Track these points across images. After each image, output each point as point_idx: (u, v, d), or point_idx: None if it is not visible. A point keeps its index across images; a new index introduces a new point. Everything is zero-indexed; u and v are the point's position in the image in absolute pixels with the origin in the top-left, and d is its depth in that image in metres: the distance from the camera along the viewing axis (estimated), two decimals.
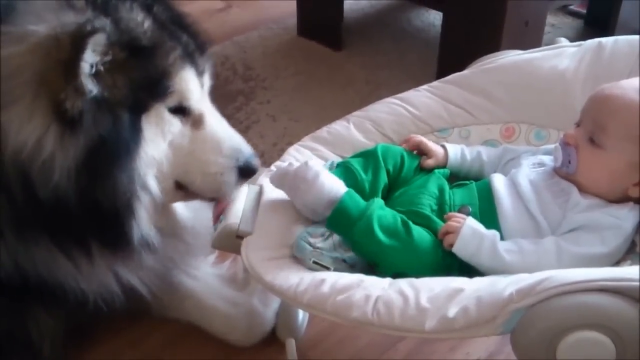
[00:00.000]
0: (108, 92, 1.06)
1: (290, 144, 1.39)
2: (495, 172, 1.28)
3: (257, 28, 2.61)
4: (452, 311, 0.95)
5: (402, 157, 1.28)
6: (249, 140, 1.94)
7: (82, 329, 1.33)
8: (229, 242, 1.19)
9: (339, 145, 1.36)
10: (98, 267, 1.18)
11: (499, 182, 1.20)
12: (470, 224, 1.10)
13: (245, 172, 1.23)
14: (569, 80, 1.38)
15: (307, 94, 2.22)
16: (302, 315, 1.37)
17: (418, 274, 1.06)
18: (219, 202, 1.26)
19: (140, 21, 1.13)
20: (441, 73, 1.65)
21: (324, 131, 1.39)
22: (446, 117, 1.42)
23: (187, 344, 1.39)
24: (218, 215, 1.24)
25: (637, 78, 1.18)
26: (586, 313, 0.91)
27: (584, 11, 2.59)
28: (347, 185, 1.20)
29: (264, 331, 1.37)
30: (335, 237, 1.13)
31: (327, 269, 1.09)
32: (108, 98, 1.06)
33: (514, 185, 1.18)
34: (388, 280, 1.05)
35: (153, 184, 1.16)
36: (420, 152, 1.33)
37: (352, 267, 1.11)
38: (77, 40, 1.01)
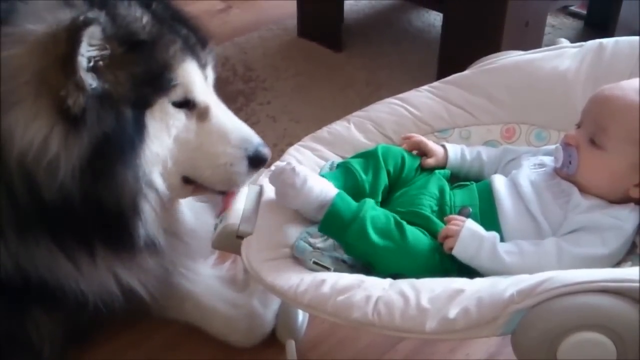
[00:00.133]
0: (110, 89, 1.06)
1: (291, 144, 1.39)
2: (495, 172, 1.28)
3: (258, 29, 2.61)
4: (452, 312, 0.95)
5: (403, 158, 1.28)
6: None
7: (81, 330, 1.33)
8: (229, 243, 1.18)
9: (339, 145, 1.36)
10: (99, 268, 1.18)
11: (499, 183, 1.20)
12: (470, 226, 1.10)
13: (256, 161, 1.23)
14: (569, 81, 1.38)
15: (307, 95, 2.22)
16: (302, 317, 1.36)
17: (414, 275, 1.06)
18: (228, 194, 1.25)
19: (139, 16, 1.13)
20: (442, 74, 1.65)
21: (324, 131, 1.39)
22: (447, 118, 1.41)
23: (187, 345, 1.38)
24: (226, 206, 1.22)
25: (638, 79, 1.18)
26: (587, 314, 0.91)
27: (584, 12, 2.59)
28: (347, 185, 1.20)
29: (264, 332, 1.36)
30: None
31: (328, 269, 1.09)
32: (111, 94, 1.06)
33: (515, 186, 1.18)
34: (389, 280, 1.05)
35: (159, 181, 1.16)
36: (421, 152, 1.32)
37: (352, 268, 1.11)
38: (72, 34, 1.01)
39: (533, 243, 1.09)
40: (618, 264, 1.09)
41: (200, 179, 1.22)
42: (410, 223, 1.14)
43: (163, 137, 1.14)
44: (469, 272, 1.09)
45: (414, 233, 1.12)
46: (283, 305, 1.36)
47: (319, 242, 1.12)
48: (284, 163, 1.24)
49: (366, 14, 2.71)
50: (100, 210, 1.09)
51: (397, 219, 1.12)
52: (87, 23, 1.01)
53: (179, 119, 1.16)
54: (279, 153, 1.32)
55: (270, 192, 1.22)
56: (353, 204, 1.13)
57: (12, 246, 1.11)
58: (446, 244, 1.10)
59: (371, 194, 1.21)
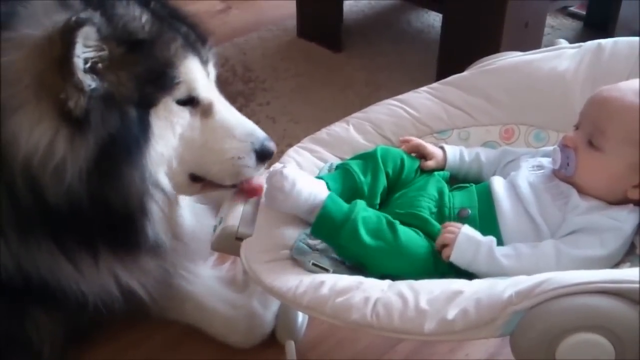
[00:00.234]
0: (113, 89, 1.06)
1: (290, 145, 1.39)
2: (494, 173, 1.28)
3: (257, 29, 2.61)
4: (451, 313, 0.95)
5: (402, 160, 1.28)
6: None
7: (82, 330, 1.33)
8: (229, 244, 1.19)
9: (338, 146, 1.36)
10: (101, 270, 1.18)
11: (498, 184, 1.20)
12: (466, 232, 1.10)
13: (262, 155, 1.23)
14: (568, 82, 1.38)
15: (306, 96, 2.22)
16: (301, 318, 1.37)
17: (409, 277, 1.06)
18: (244, 186, 1.25)
19: (137, 15, 1.13)
20: (441, 74, 1.65)
21: (323, 133, 1.39)
22: (446, 119, 1.41)
23: (186, 345, 1.38)
24: (247, 193, 1.23)
25: (636, 80, 1.18)
26: (585, 315, 0.91)
27: (584, 12, 2.59)
28: (346, 187, 1.20)
29: (264, 333, 1.37)
30: None
31: (326, 270, 1.09)
32: (114, 95, 1.06)
33: (514, 188, 1.18)
34: (387, 282, 1.05)
35: (165, 181, 1.16)
36: (419, 154, 1.32)
37: (351, 269, 1.11)
38: (66, 35, 1.01)
39: (531, 246, 1.09)
40: (617, 265, 1.09)
41: (208, 175, 1.22)
42: (408, 225, 1.14)
43: (168, 136, 1.15)
44: (467, 274, 1.09)
45: (407, 234, 1.11)
46: (283, 306, 1.36)
47: (317, 243, 1.12)
48: (280, 166, 1.25)
49: (365, 15, 2.71)
50: (107, 212, 1.10)
51: (389, 220, 1.12)
52: (80, 24, 1.01)
53: (184, 116, 1.17)
54: (278, 154, 1.32)
55: None
56: (344, 205, 1.13)
57: (14, 247, 1.12)
58: (444, 254, 1.10)
59: (369, 196, 1.21)
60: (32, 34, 1.05)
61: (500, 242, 1.12)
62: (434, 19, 2.60)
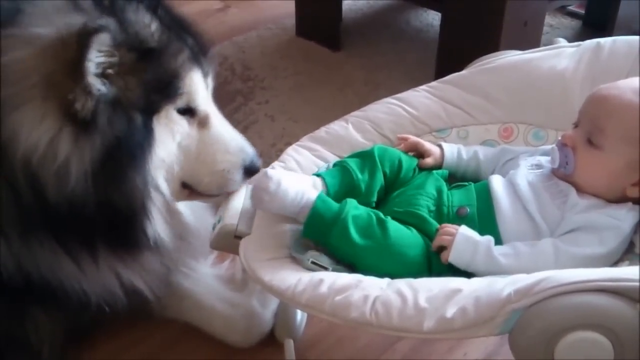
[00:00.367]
0: (121, 94, 1.08)
1: (289, 144, 1.39)
2: (493, 172, 1.28)
3: (256, 28, 2.61)
4: (450, 311, 0.95)
5: (399, 159, 1.27)
6: (247, 140, 1.95)
7: (82, 330, 1.33)
8: (228, 243, 1.19)
9: (337, 145, 1.36)
10: (102, 269, 1.19)
11: (497, 183, 1.20)
12: (463, 232, 1.10)
13: (249, 172, 1.26)
14: (567, 81, 1.38)
15: (305, 95, 2.22)
16: (300, 316, 1.37)
17: (402, 277, 1.06)
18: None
19: (147, 23, 1.14)
20: (440, 73, 1.65)
21: (322, 131, 1.38)
22: (445, 118, 1.41)
23: (185, 344, 1.39)
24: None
25: (635, 78, 1.18)
26: (584, 313, 0.91)
27: (583, 12, 2.60)
28: (343, 184, 1.20)
29: (263, 332, 1.37)
30: None
31: (325, 269, 1.09)
32: (121, 100, 1.08)
33: (512, 186, 1.18)
34: (386, 280, 1.05)
35: (164, 185, 1.18)
36: (417, 153, 1.32)
37: (350, 267, 1.11)
38: (82, 39, 1.02)
39: (529, 244, 1.09)
40: (616, 264, 1.09)
41: (199, 185, 1.25)
42: (406, 223, 1.14)
43: (168, 143, 1.17)
44: (464, 273, 1.09)
45: (398, 232, 1.11)
46: (281, 304, 1.36)
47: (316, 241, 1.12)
48: (282, 164, 1.25)
49: (364, 14, 2.71)
50: (110, 212, 1.11)
51: (380, 217, 1.12)
52: (98, 30, 1.02)
53: (183, 125, 1.19)
54: (277, 152, 1.33)
55: None
56: (334, 205, 1.12)
57: (15, 246, 1.12)
58: (442, 257, 1.10)
59: (367, 194, 1.21)
60: (42, 33, 1.06)
61: (498, 241, 1.12)
62: (432, 18, 2.60)
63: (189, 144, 1.20)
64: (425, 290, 1.00)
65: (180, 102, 1.18)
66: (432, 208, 1.19)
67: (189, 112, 1.20)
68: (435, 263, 1.11)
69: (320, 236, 1.11)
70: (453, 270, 1.10)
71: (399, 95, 1.45)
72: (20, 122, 1.04)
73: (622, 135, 1.12)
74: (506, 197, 1.17)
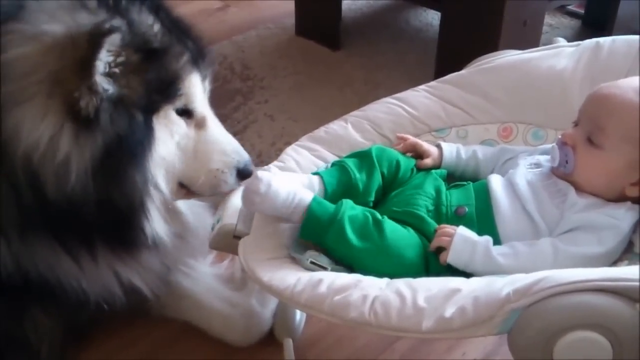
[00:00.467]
0: (124, 93, 1.08)
1: (288, 143, 1.39)
2: (492, 171, 1.28)
3: (255, 27, 2.61)
4: (449, 311, 0.95)
5: (397, 159, 1.27)
6: (247, 139, 1.96)
7: (79, 328, 1.33)
8: (227, 243, 1.19)
9: (336, 145, 1.36)
10: (100, 267, 1.19)
11: (496, 182, 1.20)
12: (461, 233, 1.10)
13: (243, 175, 1.26)
14: (566, 80, 1.38)
15: (305, 94, 2.22)
16: (299, 316, 1.37)
17: (399, 276, 1.06)
18: None
19: (151, 24, 1.16)
20: (439, 73, 1.65)
21: (321, 131, 1.38)
22: (444, 117, 1.41)
23: (184, 343, 1.39)
24: None
25: (636, 77, 1.18)
26: (583, 313, 0.91)
27: (582, 11, 2.60)
28: (341, 183, 1.20)
29: (262, 331, 1.37)
30: None
31: (325, 269, 1.09)
32: (124, 98, 1.09)
33: (511, 185, 1.18)
34: (385, 280, 1.05)
35: (164, 183, 1.19)
36: (416, 153, 1.32)
37: (349, 267, 1.11)
38: (95, 39, 1.03)
39: (528, 244, 1.09)
40: (614, 263, 1.09)
41: (194, 185, 1.25)
42: (404, 223, 1.14)
43: (167, 142, 1.18)
44: (462, 273, 1.09)
45: (395, 233, 1.11)
46: (281, 304, 1.36)
47: None
48: (282, 163, 1.25)
49: (364, 13, 2.71)
50: (109, 210, 1.11)
51: (376, 217, 1.11)
52: (111, 31, 1.03)
53: (181, 125, 1.20)
54: (276, 152, 1.33)
55: None
56: (330, 206, 1.12)
57: (14, 244, 1.12)
58: (441, 258, 1.10)
59: (364, 193, 1.21)
60: (49, 30, 1.06)
61: (497, 241, 1.12)
62: (432, 18, 2.60)
63: (187, 144, 1.21)
64: (424, 290, 1.00)
65: (179, 103, 1.19)
66: (431, 208, 1.19)
67: (186, 113, 1.21)
68: (432, 263, 1.11)
69: (316, 238, 1.11)
70: (451, 271, 1.10)
71: (398, 94, 1.45)
72: (22, 118, 1.04)
73: (623, 135, 1.12)
74: (505, 197, 1.17)
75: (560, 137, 1.20)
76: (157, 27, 1.16)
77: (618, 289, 0.91)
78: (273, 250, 1.13)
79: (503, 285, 0.96)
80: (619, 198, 1.14)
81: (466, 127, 1.41)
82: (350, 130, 1.38)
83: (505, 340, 0.96)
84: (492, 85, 1.42)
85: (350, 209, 1.12)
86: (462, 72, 1.47)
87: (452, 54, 2.00)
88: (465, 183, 1.25)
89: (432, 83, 1.47)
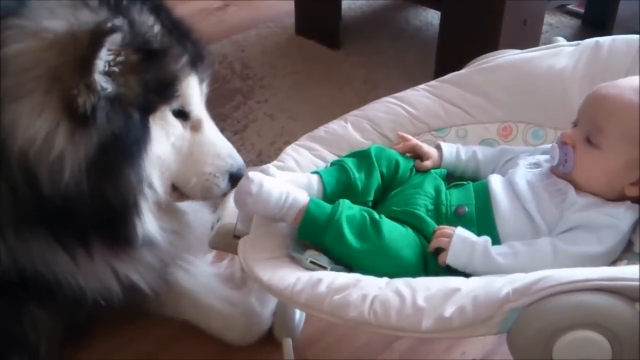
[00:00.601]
0: (121, 92, 1.09)
1: (288, 143, 1.39)
2: (492, 171, 1.28)
3: (255, 27, 2.61)
4: (448, 311, 0.95)
5: (396, 159, 1.27)
6: (246, 139, 1.96)
7: (78, 327, 1.33)
8: (226, 242, 1.19)
9: (336, 144, 1.36)
10: (96, 263, 1.19)
11: (496, 182, 1.20)
12: (460, 234, 1.10)
13: (235, 179, 1.26)
14: (566, 80, 1.38)
15: (304, 93, 2.22)
16: (299, 315, 1.37)
17: (398, 276, 1.05)
18: None
19: (151, 25, 1.16)
20: (439, 72, 1.65)
21: (321, 130, 1.38)
22: (444, 117, 1.41)
23: (183, 343, 1.39)
24: None
25: (635, 77, 1.18)
26: (582, 312, 0.91)
27: (582, 11, 2.60)
28: (340, 182, 1.20)
29: (261, 330, 1.37)
30: None
31: (324, 268, 1.09)
32: (121, 97, 1.09)
33: (511, 185, 1.18)
34: (385, 279, 1.05)
35: (158, 184, 1.20)
36: (415, 155, 1.32)
37: (348, 267, 1.11)
38: (96, 38, 1.03)
39: (527, 243, 1.09)
40: (614, 263, 1.09)
41: (185, 186, 1.26)
42: (403, 222, 1.14)
43: (163, 142, 1.18)
44: (461, 273, 1.09)
45: (393, 233, 1.11)
46: (280, 303, 1.36)
47: None
48: (282, 163, 1.25)
49: (364, 12, 2.71)
50: (103, 208, 1.11)
51: (374, 217, 1.11)
52: (113, 30, 1.04)
53: (177, 126, 1.21)
54: (276, 151, 1.33)
55: None
56: (327, 207, 1.12)
57: (10, 240, 1.12)
58: (440, 259, 1.10)
59: (363, 193, 1.21)
60: (50, 26, 1.06)
61: (497, 240, 1.12)
62: (432, 17, 2.61)
63: (182, 145, 1.22)
64: (424, 289, 1.00)
65: (176, 105, 1.20)
66: (430, 207, 1.19)
67: (182, 115, 1.22)
68: (431, 263, 1.11)
69: (314, 238, 1.11)
70: (450, 271, 1.10)
71: (398, 94, 1.44)
72: (20, 114, 1.05)
73: (621, 135, 1.12)
74: (505, 196, 1.17)
75: (559, 136, 1.20)
76: (157, 28, 1.17)
77: (617, 288, 0.91)
78: (272, 250, 1.13)
79: (502, 284, 0.96)
80: (619, 197, 1.14)
81: (466, 126, 1.41)
82: (350, 130, 1.38)
83: (505, 340, 0.96)
84: (491, 85, 1.42)
85: (347, 208, 1.12)
86: (462, 71, 1.47)
87: (452, 53, 2.00)
88: (465, 183, 1.25)
89: (432, 82, 1.47)
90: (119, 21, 1.07)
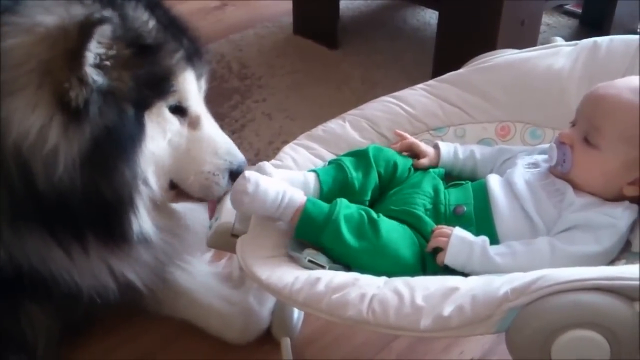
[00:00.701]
0: (114, 86, 1.08)
1: (286, 142, 1.39)
2: (491, 171, 1.28)
3: (253, 26, 2.61)
4: (447, 310, 0.95)
5: (395, 159, 1.27)
6: (244, 138, 1.96)
7: (76, 326, 1.33)
8: (224, 241, 1.19)
9: (334, 143, 1.36)
10: (92, 259, 1.18)
11: (494, 182, 1.20)
12: (458, 234, 1.10)
13: (236, 177, 1.24)
14: (564, 80, 1.38)
15: (302, 93, 2.22)
16: (297, 314, 1.37)
17: (396, 275, 1.06)
18: (210, 203, 1.28)
19: (145, 20, 1.16)
20: (437, 72, 1.65)
21: (319, 130, 1.38)
22: (442, 116, 1.41)
23: (182, 342, 1.38)
24: (213, 209, 1.26)
25: (633, 77, 1.18)
26: (581, 312, 0.91)
27: (580, 11, 2.60)
28: (337, 180, 1.20)
29: (260, 329, 1.37)
30: None
31: (323, 267, 1.09)
32: (114, 92, 1.08)
33: (509, 185, 1.18)
34: (383, 278, 1.05)
35: (153, 180, 1.19)
36: (413, 153, 1.32)
37: (347, 266, 1.11)
38: (85, 29, 1.03)
39: (525, 243, 1.09)
40: (612, 262, 1.09)
41: (183, 184, 1.25)
42: (402, 221, 1.14)
43: (159, 139, 1.17)
44: (460, 272, 1.09)
45: (391, 232, 1.11)
46: (279, 302, 1.36)
47: None
48: (280, 162, 1.25)
49: (362, 12, 2.71)
50: (97, 203, 1.11)
51: (371, 217, 1.11)
52: (102, 21, 1.03)
53: (173, 123, 1.20)
54: (274, 151, 1.33)
55: None
56: (325, 206, 1.12)
57: (5, 235, 1.12)
58: (438, 259, 1.10)
59: (360, 192, 1.21)
60: (43, 21, 1.06)
61: (495, 240, 1.12)
62: (430, 17, 2.61)
63: (179, 142, 1.21)
64: (422, 288, 1.00)
65: (172, 100, 1.19)
66: (429, 206, 1.19)
67: (180, 111, 1.21)
68: (429, 263, 1.12)
69: (312, 238, 1.11)
70: (449, 270, 1.10)
71: (396, 93, 1.45)
72: (14, 108, 1.05)
73: (619, 135, 1.12)
74: (503, 196, 1.17)
75: (557, 136, 1.20)
76: (152, 23, 1.16)
77: (616, 287, 0.91)
78: (271, 249, 1.13)
79: (501, 284, 0.96)
80: (617, 197, 1.14)
81: (464, 126, 1.41)
82: (348, 129, 1.38)
83: (503, 339, 0.96)
84: (490, 85, 1.42)
85: (345, 207, 1.12)
86: (460, 71, 1.47)
87: (449, 53, 2.00)
88: (463, 182, 1.25)
89: (430, 82, 1.47)
90: (107, 12, 1.07)
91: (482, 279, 1.01)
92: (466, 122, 1.41)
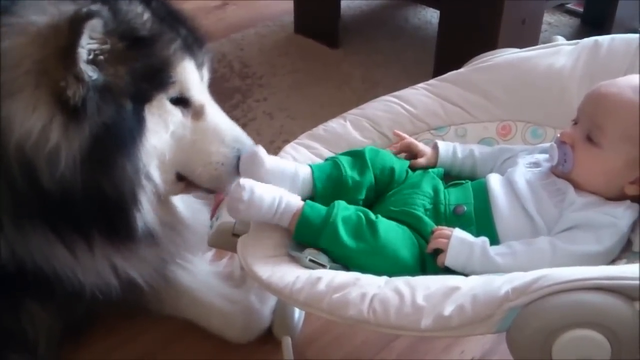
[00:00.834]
0: (111, 81, 1.08)
1: (287, 141, 1.39)
2: (490, 171, 1.28)
3: (254, 25, 2.62)
4: (447, 309, 0.95)
5: (392, 165, 1.26)
6: None
7: (77, 325, 1.33)
8: (226, 240, 1.19)
9: (335, 143, 1.36)
10: (96, 257, 1.18)
11: (494, 181, 1.20)
12: (458, 235, 1.10)
13: None
14: (565, 79, 1.38)
15: (303, 92, 2.22)
16: (298, 314, 1.37)
17: (396, 275, 1.06)
18: (217, 195, 1.27)
19: (140, 12, 1.14)
20: (438, 71, 1.65)
21: (320, 129, 1.38)
22: (443, 115, 1.41)
23: (183, 341, 1.39)
24: (216, 208, 1.25)
25: (634, 76, 1.18)
26: (581, 311, 0.91)
27: (581, 10, 2.60)
28: (332, 177, 1.20)
29: (261, 328, 1.37)
30: None
31: (323, 267, 1.09)
32: (111, 87, 1.08)
33: (510, 184, 1.18)
34: (384, 278, 1.05)
35: (156, 174, 1.18)
36: (411, 153, 1.32)
37: (348, 266, 1.11)
38: (74, 25, 1.02)
39: (525, 242, 1.09)
40: (613, 262, 1.09)
41: (191, 175, 1.24)
42: (402, 222, 1.14)
43: (161, 132, 1.16)
44: (459, 273, 1.09)
45: (389, 233, 1.10)
46: (280, 302, 1.36)
47: None
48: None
49: (363, 11, 2.71)
50: (100, 200, 1.10)
51: (370, 218, 1.11)
52: (90, 15, 1.02)
53: (176, 115, 1.18)
54: (275, 150, 1.32)
55: None
56: (322, 209, 1.12)
57: (9, 234, 1.12)
58: (438, 260, 1.10)
59: (354, 190, 1.20)
60: (36, 20, 1.06)
61: (496, 239, 1.12)
62: (431, 16, 2.61)
63: (183, 134, 1.20)
64: (423, 288, 1.00)
65: (173, 92, 1.17)
66: (429, 207, 1.19)
67: (182, 102, 1.19)
68: (429, 264, 1.11)
69: (311, 240, 1.11)
70: (449, 271, 1.09)
71: (397, 93, 1.44)
72: (15, 110, 1.04)
73: (621, 134, 1.12)
74: (504, 195, 1.17)
75: (559, 135, 1.20)
76: (146, 15, 1.15)
77: (617, 287, 0.91)
78: (272, 248, 1.13)
79: (502, 283, 0.96)
80: (618, 197, 1.14)
81: (465, 125, 1.41)
82: (349, 129, 1.37)
83: (504, 339, 0.96)
84: (491, 84, 1.42)
85: (343, 209, 1.11)
86: (461, 70, 1.47)
87: (450, 52, 2.00)
88: (463, 182, 1.25)
89: (431, 81, 1.47)
90: (96, 6, 1.05)
91: (482, 279, 1.01)
92: (467, 121, 1.41)
